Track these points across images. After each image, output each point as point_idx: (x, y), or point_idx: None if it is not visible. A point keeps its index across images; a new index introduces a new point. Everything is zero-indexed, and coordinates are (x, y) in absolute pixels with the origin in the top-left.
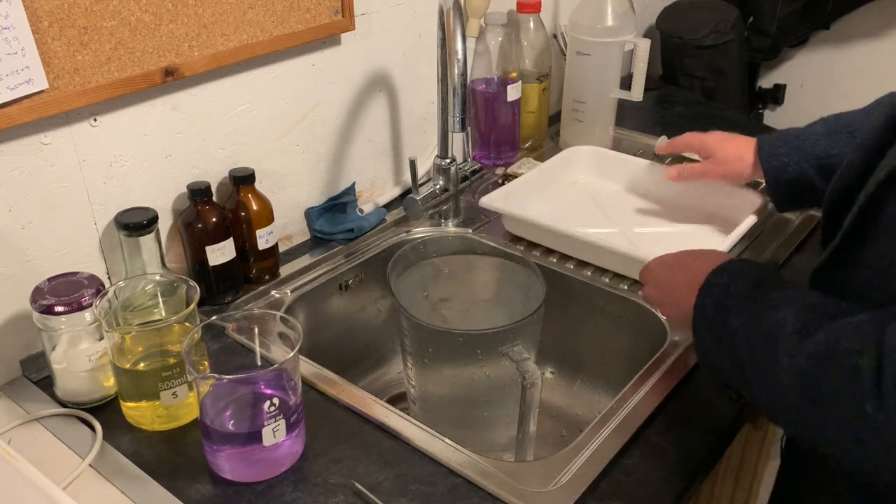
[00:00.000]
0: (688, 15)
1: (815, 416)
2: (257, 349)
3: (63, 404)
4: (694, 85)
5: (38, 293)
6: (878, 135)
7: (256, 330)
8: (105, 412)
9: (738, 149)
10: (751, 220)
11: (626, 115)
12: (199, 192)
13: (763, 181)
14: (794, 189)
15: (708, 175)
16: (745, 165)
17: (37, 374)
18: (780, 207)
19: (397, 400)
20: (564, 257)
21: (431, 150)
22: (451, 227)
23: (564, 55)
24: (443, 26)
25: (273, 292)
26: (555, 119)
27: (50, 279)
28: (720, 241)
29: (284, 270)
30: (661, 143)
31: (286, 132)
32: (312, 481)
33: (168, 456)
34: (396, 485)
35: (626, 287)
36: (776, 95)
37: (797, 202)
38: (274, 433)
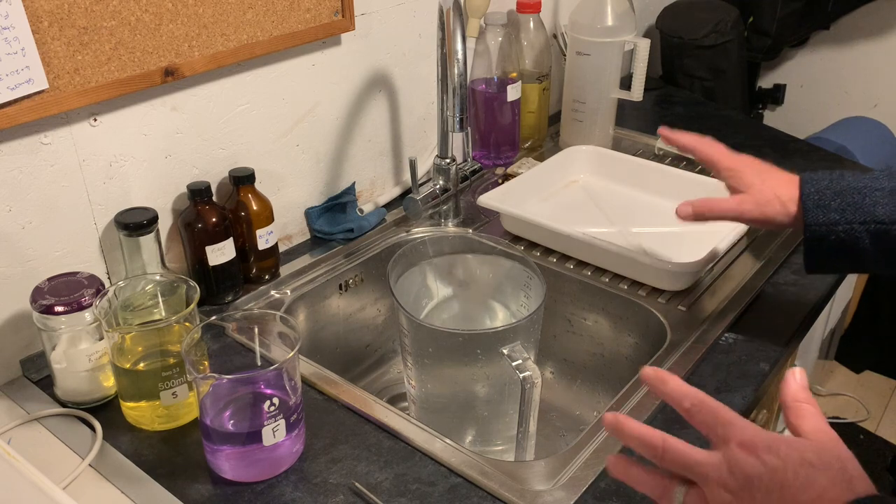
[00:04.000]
0: (688, 15)
1: None
2: (257, 349)
3: (63, 404)
4: (694, 85)
5: (38, 293)
6: None
7: (256, 330)
8: (105, 412)
9: (777, 187)
10: None
11: (626, 115)
12: (199, 192)
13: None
14: (839, 253)
15: (742, 217)
16: (785, 213)
17: (37, 374)
18: (811, 268)
19: (397, 400)
20: (564, 257)
21: (431, 150)
22: (450, 227)
23: (564, 55)
24: (443, 26)
25: (273, 292)
26: (555, 119)
27: (50, 279)
28: (719, 241)
29: (284, 270)
30: (661, 143)
31: (286, 132)
32: (312, 481)
33: (168, 456)
34: (396, 485)
35: (625, 287)
36: (776, 95)
37: (835, 267)
38: (274, 433)
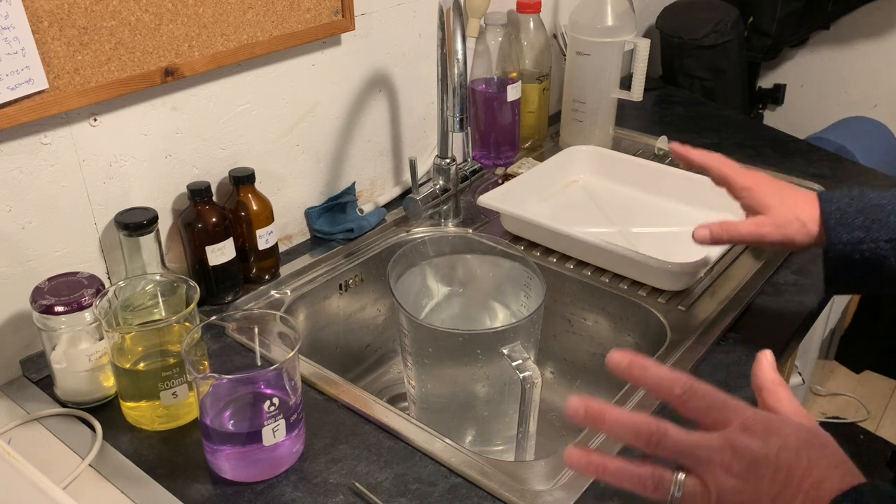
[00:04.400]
0: (688, 15)
1: None
2: (257, 349)
3: (63, 404)
4: (694, 85)
5: (38, 293)
6: None
7: (256, 330)
8: (105, 412)
9: (796, 206)
10: None
11: (626, 115)
12: (199, 192)
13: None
14: (863, 272)
15: (763, 240)
16: (805, 233)
17: (37, 374)
18: (834, 288)
19: (397, 400)
20: (564, 257)
21: (431, 150)
22: (450, 227)
23: (564, 55)
24: (443, 26)
25: (273, 292)
26: (555, 119)
27: (50, 279)
28: None
29: (284, 270)
30: (661, 143)
31: (286, 132)
32: (312, 481)
33: (168, 456)
34: (396, 485)
35: (625, 287)
36: (776, 95)
37: (858, 286)
38: (274, 433)
